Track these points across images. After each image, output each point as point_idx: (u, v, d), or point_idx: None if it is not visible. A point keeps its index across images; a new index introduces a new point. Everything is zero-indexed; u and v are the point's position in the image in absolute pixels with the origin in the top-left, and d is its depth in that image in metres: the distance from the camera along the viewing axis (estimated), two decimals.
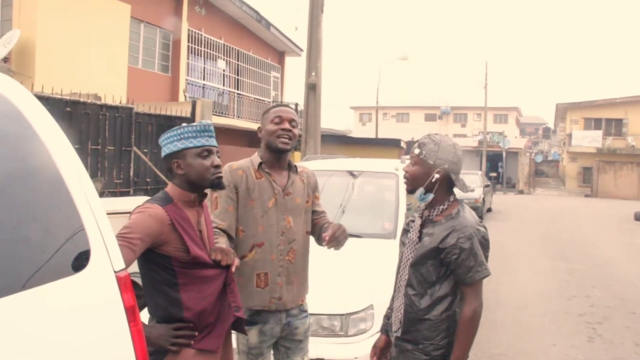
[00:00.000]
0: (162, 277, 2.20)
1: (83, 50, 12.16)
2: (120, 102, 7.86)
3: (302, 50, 21.13)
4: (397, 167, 5.67)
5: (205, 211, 2.42)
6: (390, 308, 2.73)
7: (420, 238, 2.54)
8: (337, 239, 2.77)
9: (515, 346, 5.72)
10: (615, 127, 39.36)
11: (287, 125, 2.85)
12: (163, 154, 2.33)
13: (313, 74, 10.23)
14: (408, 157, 6.36)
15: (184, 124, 2.35)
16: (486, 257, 2.46)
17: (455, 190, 2.57)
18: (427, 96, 57.80)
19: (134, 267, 2.14)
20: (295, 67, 36.81)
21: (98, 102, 7.57)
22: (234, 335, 2.64)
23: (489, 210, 21.72)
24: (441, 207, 2.52)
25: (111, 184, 7.63)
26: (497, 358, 5.40)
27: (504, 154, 39.69)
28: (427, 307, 2.46)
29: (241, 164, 2.91)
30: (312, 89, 10.30)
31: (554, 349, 5.71)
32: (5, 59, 11.47)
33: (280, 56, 23.93)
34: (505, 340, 5.88)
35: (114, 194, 7.55)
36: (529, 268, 10.20)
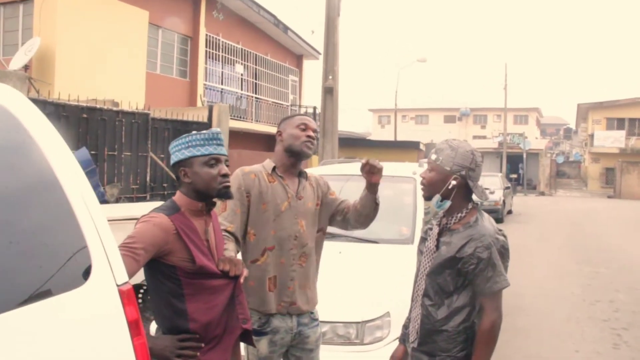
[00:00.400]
0: (168, 288, 2.15)
1: (102, 57, 12.26)
2: (136, 108, 7.85)
3: (319, 53, 21.07)
4: (414, 171, 5.57)
5: (214, 220, 2.36)
6: (409, 318, 2.65)
7: (437, 247, 2.46)
8: (374, 166, 2.80)
9: (538, 353, 5.59)
10: (638, 126, 38.73)
11: (312, 133, 2.87)
12: (172, 162, 2.29)
13: (330, 77, 10.17)
14: (426, 160, 6.31)
15: (193, 132, 2.30)
16: (506, 267, 2.38)
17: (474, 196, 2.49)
18: (446, 98, 57.56)
19: None
20: (313, 71, 36.69)
21: (114, 108, 7.59)
22: (243, 345, 2.59)
23: (510, 212, 21.45)
24: (459, 214, 2.44)
25: (128, 189, 7.64)
26: None
27: (524, 155, 39.22)
28: (445, 318, 2.38)
29: (253, 168, 2.89)
30: (329, 92, 10.24)
31: (578, 356, 5.58)
32: (26, 67, 11.61)
33: (298, 60, 23.93)
34: (526, 347, 5.75)
35: (131, 200, 7.56)
36: (552, 272, 10.01)
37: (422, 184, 2.55)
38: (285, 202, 2.82)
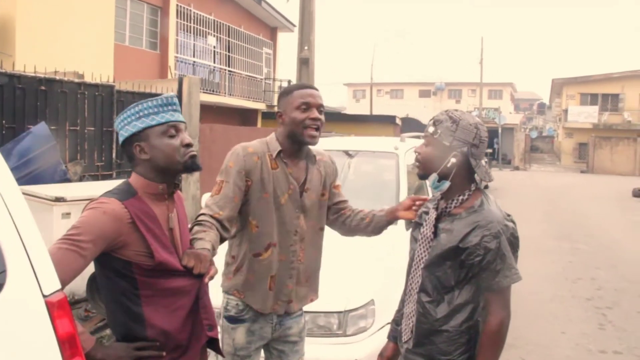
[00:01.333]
0: (121, 287, 1.80)
1: (66, 28, 11.63)
2: (100, 80, 7.36)
3: (294, 25, 20.56)
4: (396, 146, 5.27)
5: (179, 205, 2.01)
6: (401, 313, 2.34)
7: (435, 234, 2.13)
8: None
9: (524, 335, 5.37)
10: (611, 102, 38.99)
11: (316, 114, 2.43)
12: (121, 139, 1.90)
13: (306, 47, 9.76)
14: (408, 135, 5.98)
15: (143, 100, 1.91)
16: (515, 258, 2.07)
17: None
18: (421, 72, 57.38)
19: None
20: (287, 43, 36.14)
21: (76, 80, 7.09)
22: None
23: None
24: (460, 197, 2.11)
25: (92, 167, 7.17)
26: (505, 349, 5.05)
27: (499, 130, 39.24)
28: (445, 316, 2.07)
29: (257, 148, 2.48)
30: (304, 63, 9.85)
31: (564, 338, 5.39)
32: None
33: (272, 32, 23.38)
34: (512, 328, 5.49)
35: (96, 178, 7.11)
36: (533, 249, 9.83)
37: (416, 160, 2.22)
38: (285, 194, 2.46)
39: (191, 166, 1.92)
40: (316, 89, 2.53)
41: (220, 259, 2.56)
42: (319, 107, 2.47)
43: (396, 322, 2.39)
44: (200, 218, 2.27)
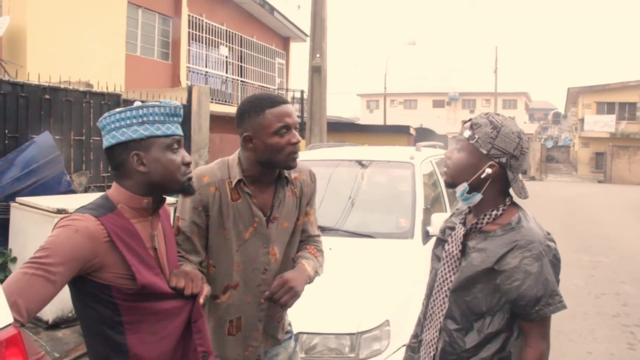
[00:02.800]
0: (101, 314, 1.57)
1: (78, 38, 11.58)
2: (107, 89, 7.20)
3: (306, 35, 20.36)
4: (412, 155, 5.02)
5: (164, 220, 1.78)
6: (418, 339, 2.08)
7: (463, 252, 1.88)
8: (276, 299, 2.04)
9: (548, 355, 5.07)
10: (629, 111, 38.42)
11: (297, 137, 2.09)
12: (113, 141, 1.63)
13: (317, 55, 9.57)
14: (424, 144, 5.73)
15: (148, 102, 1.68)
16: (557, 282, 1.81)
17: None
18: (435, 82, 56.99)
19: None
20: (300, 53, 36.06)
21: (81, 89, 6.93)
22: None
23: None
24: (494, 212, 1.86)
25: (98, 177, 7.00)
26: None
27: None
28: (474, 347, 1.81)
29: (214, 176, 2.13)
30: (316, 71, 9.64)
31: (591, 358, 5.08)
32: None
33: (284, 42, 23.26)
34: None
35: (101, 189, 6.92)
36: None
37: (446, 165, 1.96)
38: (250, 227, 2.12)
39: (187, 189, 1.72)
40: (288, 102, 2.17)
41: None
42: (297, 126, 2.16)
43: (412, 349, 2.13)
44: None
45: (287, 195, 2.21)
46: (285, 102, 2.14)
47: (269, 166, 2.12)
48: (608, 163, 35.84)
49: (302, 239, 2.34)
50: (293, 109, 2.16)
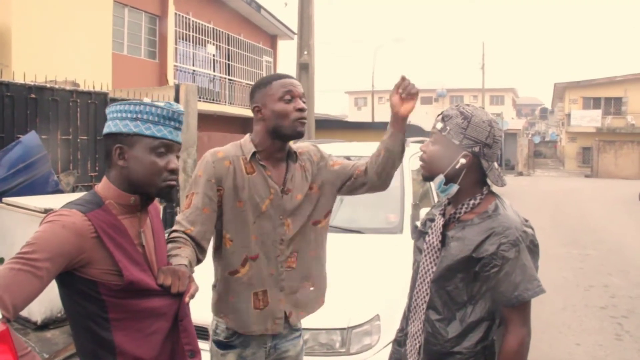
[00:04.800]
0: (88, 311, 1.57)
1: (63, 38, 11.48)
2: (93, 87, 7.15)
3: (294, 33, 20.36)
4: None
5: (153, 217, 1.77)
6: (404, 332, 2.10)
7: (443, 243, 1.90)
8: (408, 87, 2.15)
9: (536, 346, 5.09)
10: (614, 105, 38.71)
11: (301, 104, 2.21)
12: (107, 130, 1.67)
13: (305, 52, 9.55)
14: (412, 140, 5.75)
15: (147, 101, 1.68)
16: (536, 268, 1.83)
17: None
18: (422, 79, 57.11)
19: None
20: (287, 51, 36.04)
21: (68, 88, 6.88)
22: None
23: None
24: (472, 201, 1.88)
25: (85, 177, 6.95)
26: None
27: (502, 136, 38.91)
28: (457, 336, 1.83)
29: (228, 152, 2.23)
30: (304, 69, 9.63)
31: (580, 350, 5.13)
32: None
33: (272, 40, 23.21)
34: None
35: (89, 188, 6.88)
36: (540, 256, 9.58)
37: (421, 159, 1.98)
38: (266, 199, 2.20)
39: (165, 195, 1.69)
40: (294, 78, 2.30)
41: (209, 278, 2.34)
42: (302, 96, 2.26)
43: (398, 342, 2.15)
44: (172, 235, 2.04)
45: (297, 170, 2.30)
46: (291, 76, 2.28)
47: (279, 135, 2.21)
48: (595, 158, 36.16)
49: (351, 174, 2.37)
50: (298, 82, 2.29)
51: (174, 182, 1.69)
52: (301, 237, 2.29)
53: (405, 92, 2.16)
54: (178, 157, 1.73)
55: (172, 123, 1.67)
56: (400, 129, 2.24)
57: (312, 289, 2.36)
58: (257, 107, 2.23)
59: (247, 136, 2.30)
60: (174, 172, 1.68)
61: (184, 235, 2.04)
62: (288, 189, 2.25)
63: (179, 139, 1.71)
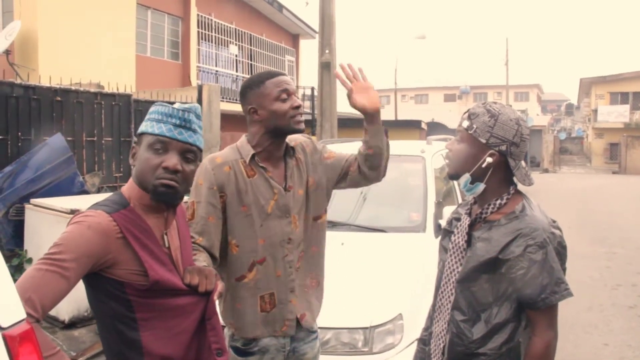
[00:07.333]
0: (115, 311, 1.58)
1: (88, 40, 11.67)
2: (117, 89, 7.25)
3: (315, 32, 20.35)
4: (423, 149, 5.01)
5: (180, 218, 1.79)
6: (429, 331, 2.09)
7: (469, 243, 1.88)
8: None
9: (563, 347, 5.04)
10: None
11: (297, 101, 2.20)
12: (139, 131, 1.73)
13: (327, 51, 9.54)
14: (435, 138, 5.71)
15: (166, 102, 1.71)
16: (563, 270, 1.80)
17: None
18: (445, 76, 56.75)
19: None
20: (309, 50, 36.07)
21: (92, 90, 6.98)
22: None
23: None
24: (498, 201, 1.86)
25: (110, 177, 7.07)
26: None
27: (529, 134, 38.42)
28: (482, 337, 1.81)
29: (226, 157, 2.21)
30: (326, 67, 9.62)
31: (607, 351, 5.05)
32: (8, 52, 10.99)
33: (294, 39, 23.25)
34: None
35: (114, 189, 6.98)
36: (568, 256, 9.45)
37: (447, 157, 1.97)
38: (271, 200, 2.19)
39: (160, 194, 1.62)
40: (286, 74, 2.29)
41: None
42: (296, 92, 2.26)
43: (423, 341, 2.14)
44: None
45: (293, 164, 2.30)
46: (282, 73, 2.26)
47: (278, 134, 2.21)
48: (622, 153, 35.47)
49: (345, 167, 2.37)
50: (289, 78, 2.28)
51: (169, 182, 1.62)
52: (306, 234, 2.30)
53: (357, 88, 2.22)
54: (188, 158, 1.66)
55: (172, 120, 1.64)
56: (377, 123, 2.27)
57: (317, 286, 2.36)
58: (252, 108, 2.20)
59: (243, 138, 2.27)
60: (174, 171, 1.62)
61: (195, 245, 2.05)
62: (290, 186, 2.25)
63: (183, 138, 1.64)
